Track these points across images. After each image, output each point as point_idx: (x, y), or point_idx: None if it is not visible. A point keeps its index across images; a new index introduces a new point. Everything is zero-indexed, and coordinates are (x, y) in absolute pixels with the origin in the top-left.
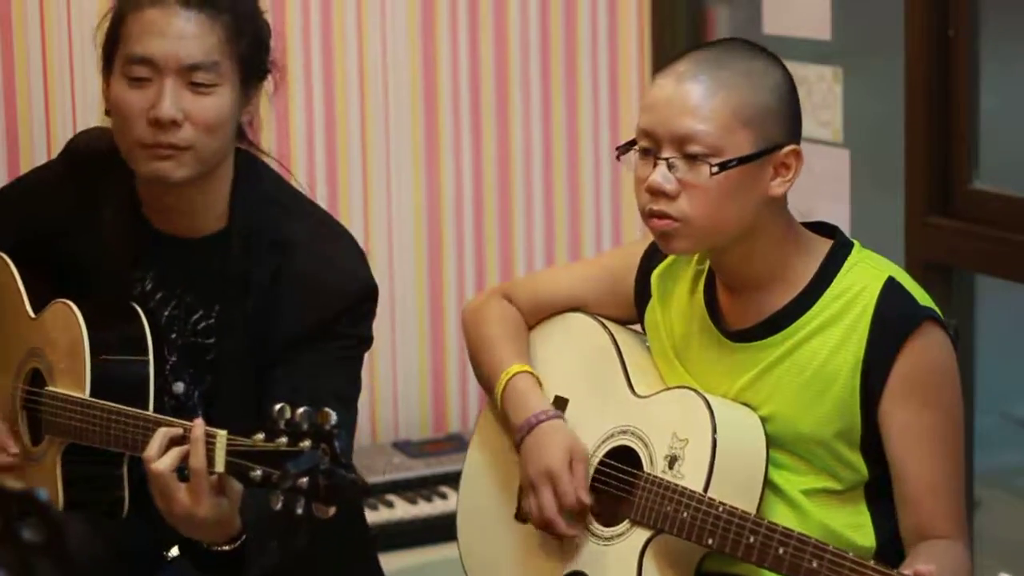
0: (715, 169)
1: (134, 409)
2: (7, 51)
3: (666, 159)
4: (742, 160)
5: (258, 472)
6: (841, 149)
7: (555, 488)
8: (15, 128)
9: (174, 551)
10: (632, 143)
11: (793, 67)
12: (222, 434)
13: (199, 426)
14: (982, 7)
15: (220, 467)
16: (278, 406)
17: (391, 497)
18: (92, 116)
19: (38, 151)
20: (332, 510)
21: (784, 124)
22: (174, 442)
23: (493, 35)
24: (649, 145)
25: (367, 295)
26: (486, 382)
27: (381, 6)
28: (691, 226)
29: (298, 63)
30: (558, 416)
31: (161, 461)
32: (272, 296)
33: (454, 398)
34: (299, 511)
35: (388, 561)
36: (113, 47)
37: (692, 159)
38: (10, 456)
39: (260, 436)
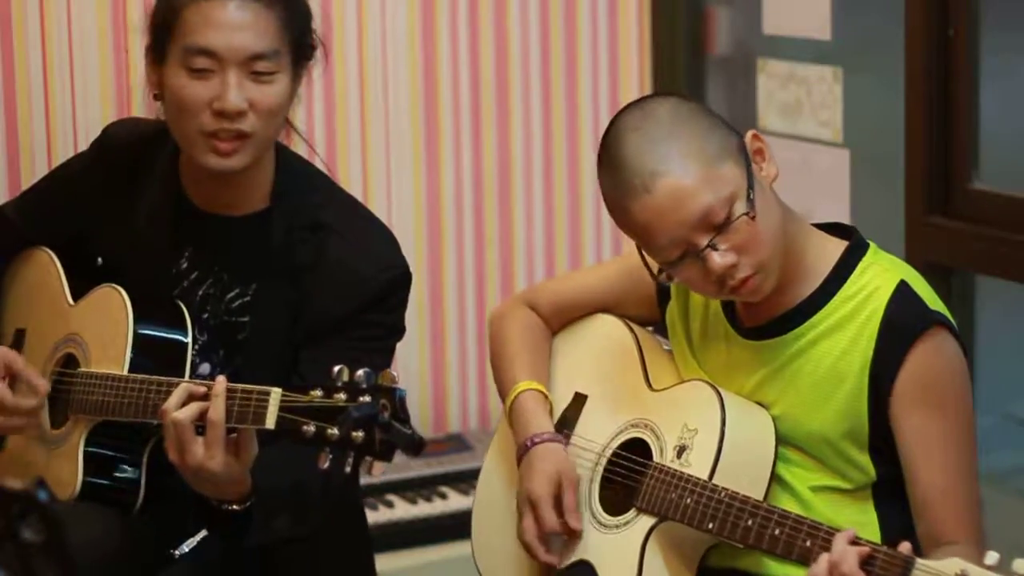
0: (752, 213)
1: (172, 378)
2: (7, 51)
3: (708, 246)
4: (751, 187)
5: (311, 428)
6: (841, 149)
7: (535, 515)
8: (15, 128)
9: (184, 547)
10: (661, 270)
11: (793, 67)
12: (276, 391)
13: (221, 382)
14: (982, 7)
15: (271, 423)
16: (337, 367)
17: (391, 497)
18: (92, 116)
19: (38, 151)
20: (381, 467)
21: (725, 127)
22: (194, 398)
23: (493, 35)
24: (679, 252)
25: (401, 283)
26: (501, 394)
27: (381, 6)
28: (768, 267)
29: None
30: (555, 439)
31: (181, 411)
32: (308, 279)
33: (454, 398)
34: (347, 469)
35: (388, 561)
36: (166, 35)
37: (726, 225)
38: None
39: (317, 393)
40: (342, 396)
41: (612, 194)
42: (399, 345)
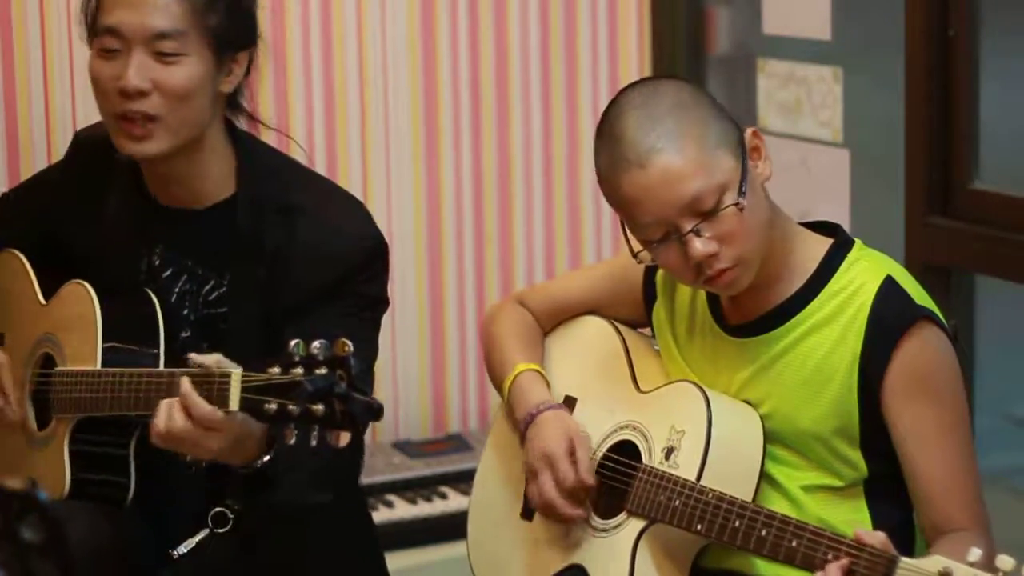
0: (741, 204)
1: (143, 368)
2: (7, 51)
3: (691, 230)
4: (743, 179)
5: (273, 406)
6: (841, 149)
7: (553, 471)
8: (15, 128)
9: (182, 548)
10: (645, 242)
11: (793, 67)
12: (236, 372)
13: (185, 383)
14: (982, 7)
15: (235, 405)
16: (293, 341)
17: (391, 497)
18: (92, 116)
19: (38, 151)
20: (346, 437)
21: (728, 119)
22: (173, 403)
23: (493, 35)
24: (661, 233)
25: (377, 253)
26: (497, 384)
27: (381, 6)
28: (748, 261)
29: (298, 63)
30: (559, 406)
31: (173, 423)
32: (282, 261)
33: (454, 398)
34: (313, 442)
35: (388, 561)
36: (92, 19)
37: (713, 214)
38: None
39: (275, 369)
40: (299, 371)
41: (605, 166)
42: (399, 346)
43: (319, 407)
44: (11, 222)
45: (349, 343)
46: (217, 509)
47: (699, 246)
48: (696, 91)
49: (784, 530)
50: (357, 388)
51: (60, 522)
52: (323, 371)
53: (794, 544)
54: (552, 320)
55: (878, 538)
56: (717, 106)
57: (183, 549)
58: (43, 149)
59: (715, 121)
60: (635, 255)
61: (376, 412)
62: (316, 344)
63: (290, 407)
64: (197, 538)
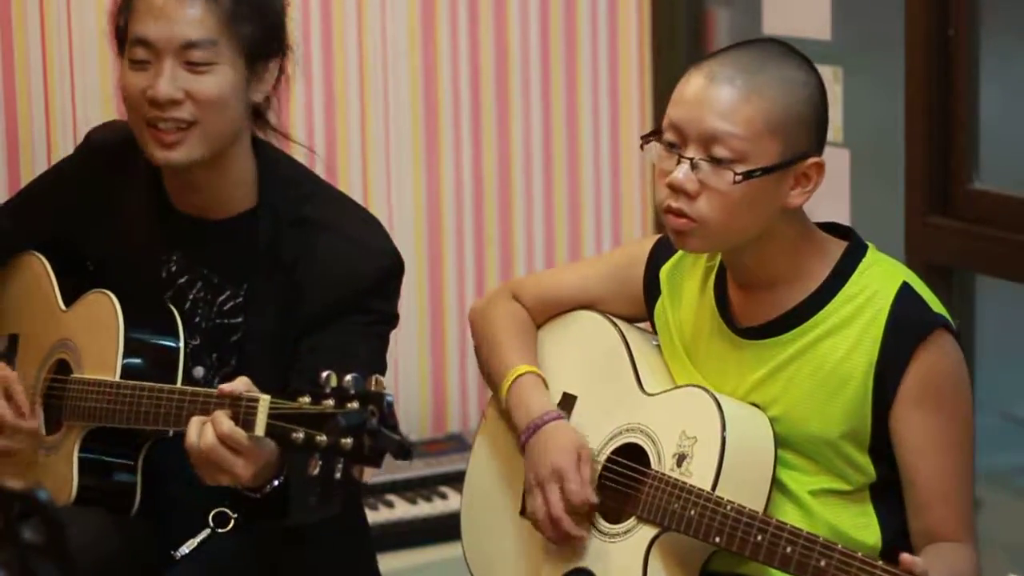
0: (738, 177)
1: (164, 384)
2: (7, 51)
3: (690, 159)
4: (766, 171)
5: (300, 434)
6: (841, 149)
7: (563, 486)
8: (15, 128)
9: (183, 549)
10: (657, 132)
11: None
12: (265, 398)
13: (220, 413)
14: (982, 7)
15: (260, 431)
16: (325, 373)
17: (391, 497)
18: (92, 116)
19: (38, 151)
20: (371, 472)
21: (811, 135)
22: (203, 420)
23: (493, 35)
24: (675, 139)
25: (393, 271)
26: (492, 382)
27: (381, 5)
28: (707, 228)
29: (298, 64)
30: (562, 416)
31: (203, 440)
32: (300, 275)
33: (454, 398)
34: (337, 475)
35: (388, 561)
36: (123, 30)
37: (717, 162)
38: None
39: (306, 399)
40: (330, 403)
41: (696, 62)
42: (399, 345)
43: (348, 441)
44: (29, 222)
45: (382, 379)
46: (218, 509)
47: (680, 174)
48: (815, 92)
49: (811, 549)
50: (389, 425)
51: (61, 523)
52: (355, 405)
53: (822, 564)
54: (545, 314)
55: (919, 565)
56: (818, 119)
57: (185, 549)
58: (43, 149)
59: (798, 118)
60: (644, 136)
61: (406, 452)
62: (348, 378)
63: (318, 438)
64: (199, 538)
